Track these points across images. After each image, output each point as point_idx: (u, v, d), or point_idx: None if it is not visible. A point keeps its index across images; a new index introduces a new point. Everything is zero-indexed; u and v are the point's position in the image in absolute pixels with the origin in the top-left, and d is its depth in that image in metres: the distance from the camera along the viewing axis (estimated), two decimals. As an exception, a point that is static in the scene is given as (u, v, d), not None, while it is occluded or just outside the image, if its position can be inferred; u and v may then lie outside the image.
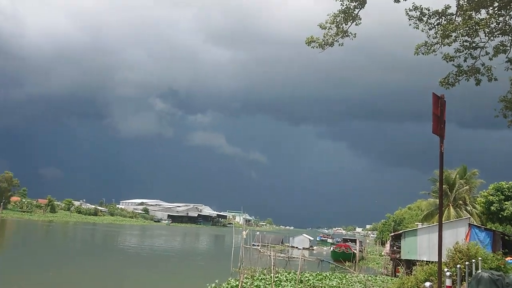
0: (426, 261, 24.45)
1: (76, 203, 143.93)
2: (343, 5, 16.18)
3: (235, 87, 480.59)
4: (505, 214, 32.70)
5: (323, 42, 16.52)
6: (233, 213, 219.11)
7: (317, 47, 16.64)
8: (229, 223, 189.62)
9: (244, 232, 29.52)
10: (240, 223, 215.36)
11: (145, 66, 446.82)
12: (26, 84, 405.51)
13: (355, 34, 16.81)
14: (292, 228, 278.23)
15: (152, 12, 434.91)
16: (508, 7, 16.23)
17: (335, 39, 16.64)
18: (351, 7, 16.36)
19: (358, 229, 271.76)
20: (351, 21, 16.60)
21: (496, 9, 16.08)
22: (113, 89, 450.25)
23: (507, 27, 16.44)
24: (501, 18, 16.23)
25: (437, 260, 9.30)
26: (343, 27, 16.54)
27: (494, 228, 34.35)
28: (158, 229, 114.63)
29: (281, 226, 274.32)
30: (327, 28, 16.56)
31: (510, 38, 16.64)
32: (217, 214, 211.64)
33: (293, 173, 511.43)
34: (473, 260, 15.82)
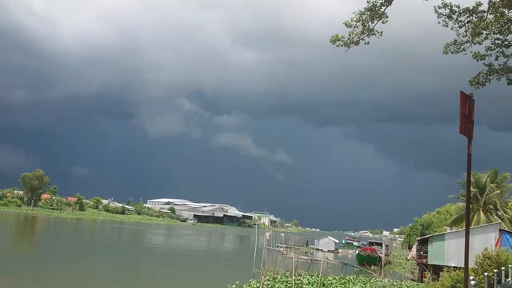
0: (454, 267, 23.74)
1: (104, 201, 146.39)
2: (369, 3, 15.89)
3: (261, 89, 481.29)
4: (538, 220, 31.60)
5: (349, 41, 16.23)
6: (259, 214, 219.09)
7: (342, 46, 16.36)
8: (254, 224, 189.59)
9: (267, 233, 29.21)
10: (265, 224, 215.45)
11: (173, 67, 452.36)
12: (58, 84, 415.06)
13: (381, 32, 16.45)
14: (318, 230, 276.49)
15: (181, 13, 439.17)
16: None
17: (361, 38, 16.32)
18: (378, 5, 16.05)
19: (385, 233, 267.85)
20: (377, 19, 16.25)
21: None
22: (141, 90, 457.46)
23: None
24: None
25: (464, 266, 8.90)
26: (369, 25, 16.24)
27: (526, 234, 33.16)
28: (184, 229, 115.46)
29: (306, 228, 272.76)
30: (353, 26, 16.27)
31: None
32: (243, 215, 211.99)
33: (319, 175, 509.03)
34: (503, 268, 15.14)
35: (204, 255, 47.45)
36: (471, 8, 15.73)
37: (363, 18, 16.15)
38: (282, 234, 55.61)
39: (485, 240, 26.71)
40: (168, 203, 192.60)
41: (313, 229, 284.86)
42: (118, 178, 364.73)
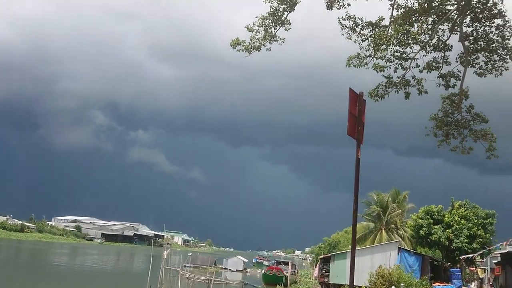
0: (355, 286, 23.47)
1: (2, 218, 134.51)
2: (272, 8, 15.21)
3: (179, 105, 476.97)
4: (433, 239, 32.63)
5: (250, 46, 15.40)
6: (172, 233, 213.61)
7: (243, 51, 15.49)
8: (167, 243, 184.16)
9: (165, 252, 27.48)
10: (178, 243, 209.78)
11: (87, 78, 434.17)
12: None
13: (283, 39, 15.85)
14: (232, 249, 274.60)
15: (98, 24, 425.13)
16: (442, 23, 15.74)
17: (263, 43, 15.57)
18: (280, 10, 15.42)
19: (297, 252, 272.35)
20: (280, 25, 15.64)
21: (430, 23, 15.54)
22: (51, 100, 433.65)
23: (441, 43, 15.95)
24: (435, 34, 15.72)
25: (349, 285, 7.95)
26: (271, 31, 15.57)
27: (423, 253, 34.19)
28: (88, 248, 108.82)
29: (221, 248, 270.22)
30: (255, 31, 15.48)
31: (442, 54, 16.14)
32: (154, 234, 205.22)
33: (235, 194, 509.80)
34: (393, 287, 14.77)
35: (96, 275, 44.23)
36: (374, 22, 15.58)
37: (266, 24, 15.48)
38: (190, 253, 53.66)
39: (385, 258, 26.89)
40: (74, 221, 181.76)
41: (227, 248, 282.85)
42: (21, 194, 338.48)
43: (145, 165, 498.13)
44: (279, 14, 15.30)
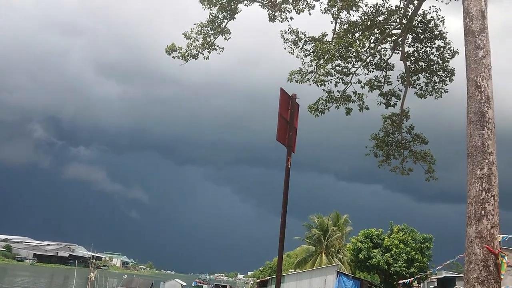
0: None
1: None
2: (212, 15, 14.50)
3: (123, 123, 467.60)
4: (372, 262, 32.40)
5: (187, 53, 14.55)
6: (110, 255, 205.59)
7: (179, 58, 14.62)
8: (104, 265, 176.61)
9: (91, 274, 25.57)
10: (117, 265, 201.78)
11: (26, 91, 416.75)
12: None
13: (222, 48, 15.17)
14: (173, 272, 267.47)
15: (40, 37, 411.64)
16: (385, 41, 15.54)
17: (201, 51, 14.79)
18: (220, 17, 14.73)
19: (240, 276, 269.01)
20: (219, 34, 14.93)
21: (372, 41, 15.29)
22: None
23: (383, 62, 15.72)
24: (376, 51, 15.48)
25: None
26: (210, 39, 14.83)
27: (362, 277, 33.90)
28: (17, 269, 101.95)
29: (162, 271, 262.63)
30: (193, 38, 14.67)
31: (384, 73, 15.92)
32: (92, 255, 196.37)
33: (179, 215, 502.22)
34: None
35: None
36: (317, 37, 15.14)
37: (205, 32, 14.72)
38: (125, 276, 51.32)
39: (323, 282, 26.30)
40: (5, 240, 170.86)
41: (168, 271, 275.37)
42: None
43: (84, 183, 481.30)
44: (219, 21, 14.64)
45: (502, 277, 6.85)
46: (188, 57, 14.61)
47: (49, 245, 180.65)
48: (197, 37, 14.63)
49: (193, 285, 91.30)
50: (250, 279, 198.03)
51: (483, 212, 7.09)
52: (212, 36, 14.76)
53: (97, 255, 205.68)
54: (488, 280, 6.70)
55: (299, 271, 37.79)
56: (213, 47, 14.84)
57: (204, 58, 14.87)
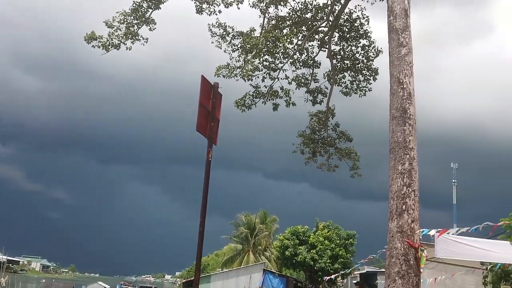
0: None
1: None
2: (135, 3, 13.78)
3: (46, 119, 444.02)
4: (298, 259, 32.84)
5: (108, 43, 13.69)
6: (29, 259, 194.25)
7: (99, 47, 13.72)
8: (21, 270, 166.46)
9: (2, 279, 23.72)
10: (36, 269, 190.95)
11: None
12: None
13: (147, 38, 14.48)
14: (97, 275, 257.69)
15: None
16: (312, 38, 15.58)
17: (123, 41, 13.98)
18: (144, 6, 14.03)
19: (167, 276, 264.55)
20: (143, 23, 14.23)
21: (300, 38, 15.27)
22: None
23: (310, 59, 15.76)
24: (304, 48, 15.49)
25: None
26: (134, 29, 14.09)
27: (288, 274, 34.29)
28: None
29: (85, 273, 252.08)
30: (115, 27, 13.85)
31: (311, 71, 15.97)
32: (8, 259, 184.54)
33: (103, 216, 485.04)
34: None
35: None
36: (245, 32, 14.88)
37: (128, 20, 13.94)
38: (43, 280, 48.54)
39: (250, 280, 26.22)
40: None
41: (92, 274, 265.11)
42: None
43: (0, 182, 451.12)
44: (143, 11, 13.97)
45: (421, 270, 6.92)
46: (110, 47, 13.79)
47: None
48: (119, 26, 13.85)
49: (118, 287, 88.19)
50: (178, 279, 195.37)
51: (404, 206, 7.14)
52: (136, 25, 14.06)
53: (13, 259, 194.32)
54: (409, 274, 6.73)
55: (226, 270, 37.55)
56: (136, 37, 14.13)
57: (127, 49, 14.13)
